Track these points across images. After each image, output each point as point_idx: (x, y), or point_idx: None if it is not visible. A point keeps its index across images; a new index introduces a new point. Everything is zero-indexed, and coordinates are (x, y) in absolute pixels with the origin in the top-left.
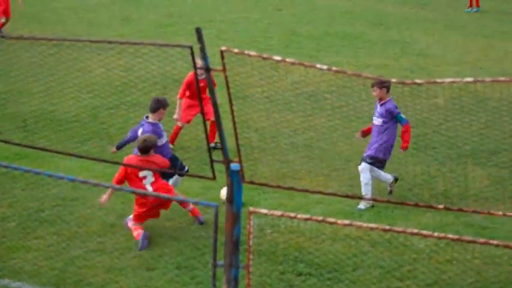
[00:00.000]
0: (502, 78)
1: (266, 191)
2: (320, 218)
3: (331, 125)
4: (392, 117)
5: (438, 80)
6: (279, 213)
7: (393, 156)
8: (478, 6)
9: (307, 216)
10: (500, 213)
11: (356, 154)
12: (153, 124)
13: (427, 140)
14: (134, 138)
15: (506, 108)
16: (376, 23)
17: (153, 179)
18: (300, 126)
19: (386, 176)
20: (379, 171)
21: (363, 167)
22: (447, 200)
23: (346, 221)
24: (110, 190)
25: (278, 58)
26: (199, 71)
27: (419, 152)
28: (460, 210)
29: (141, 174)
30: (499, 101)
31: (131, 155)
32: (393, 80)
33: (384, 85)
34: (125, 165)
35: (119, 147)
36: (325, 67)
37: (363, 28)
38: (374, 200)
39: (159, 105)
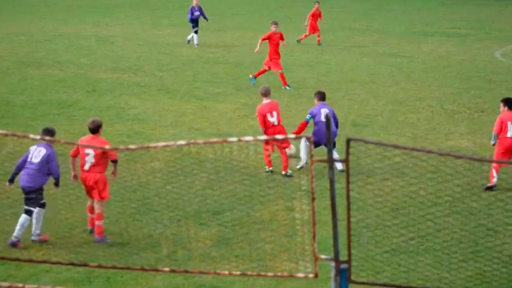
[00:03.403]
0: (215, 139)
1: None
2: (49, 287)
3: (52, 193)
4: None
5: (151, 145)
6: (6, 284)
7: (118, 214)
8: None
9: (36, 286)
10: (227, 272)
11: (79, 221)
12: (51, 146)
13: (149, 204)
14: (24, 163)
15: (223, 169)
16: (90, 90)
17: (93, 160)
18: (21, 196)
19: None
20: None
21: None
22: (173, 262)
23: None
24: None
25: None
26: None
27: (142, 216)
28: (186, 271)
29: (86, 151)
30: (215, 161)
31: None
32: (106, 146)
33: (315, 95)
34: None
35: (12, 180)
36: (38, 137)
37: (77, 96)
38: (99, 266)
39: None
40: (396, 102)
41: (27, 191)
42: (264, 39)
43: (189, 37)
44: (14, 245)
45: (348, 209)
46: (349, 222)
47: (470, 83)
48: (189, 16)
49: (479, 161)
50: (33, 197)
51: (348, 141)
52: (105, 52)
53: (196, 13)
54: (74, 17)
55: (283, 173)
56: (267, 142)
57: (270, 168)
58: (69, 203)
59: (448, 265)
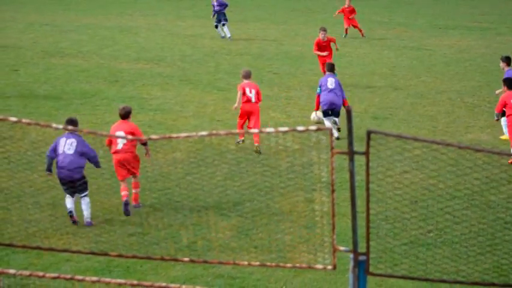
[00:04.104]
0: (236, 131)
1: (15, 251)
2: (69, 276)
3: None
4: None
5: (173, 135)
6: (27, 272)
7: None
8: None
9: (56, 274)
10: (246, 262)
11: (100, 211)
12: (77, 134)
13: (170, 194)
14: (53, 152)
15: (244, 160)
16: (112, 80)
17: (124, 140)
18: (43, 185)
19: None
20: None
21: None
22: (193, 252)
23: (95, 278)
24: None
25: (14, 119)
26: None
27: (162, 206)
28: (205, 262)
29: (117, 134)
30: (236, 152)
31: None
32: (128, 136)
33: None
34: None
35: (49, 169)
36: (60, 126)
37: (99, 86)
38: (120, 255)
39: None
40: (417, 95)
41: (69, 181)
42: (317, 50)
43: (222, 34)
44: (89, 224)
45: (367, 201)
46: (368, 214)
47: (490, 76)
48: (212, 13)
49: (499, 154)
50: (79, 184)
51: (369, 133)
52: (128, 43)
53: (216, 8)
54: (98, 8)
55: (256, 145)
56: (241, 116)
57: (242, 139)
58: (90, 192)
59: (466, 258)
